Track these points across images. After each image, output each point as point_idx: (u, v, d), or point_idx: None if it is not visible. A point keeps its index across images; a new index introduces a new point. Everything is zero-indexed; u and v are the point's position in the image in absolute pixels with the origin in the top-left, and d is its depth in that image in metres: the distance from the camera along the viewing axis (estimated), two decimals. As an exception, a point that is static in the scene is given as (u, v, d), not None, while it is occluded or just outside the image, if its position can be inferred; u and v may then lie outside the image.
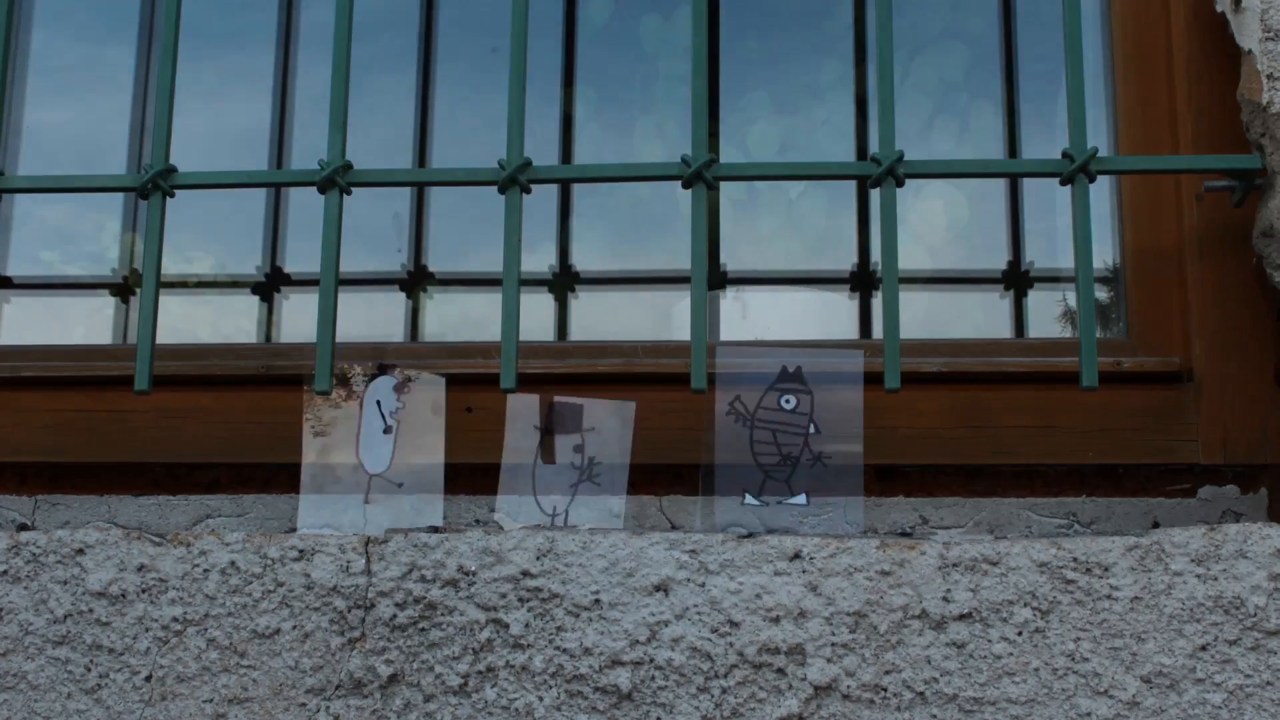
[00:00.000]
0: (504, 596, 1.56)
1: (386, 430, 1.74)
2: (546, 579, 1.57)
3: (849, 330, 2.15)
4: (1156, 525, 1.72)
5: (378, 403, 1.74)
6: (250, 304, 2.34)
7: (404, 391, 1.75)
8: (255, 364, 1.83)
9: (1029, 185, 2.16)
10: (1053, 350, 1.77)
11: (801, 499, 1.68)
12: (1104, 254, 1.90)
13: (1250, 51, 1.65)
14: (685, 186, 1.60)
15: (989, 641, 1.53)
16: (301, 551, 1.60)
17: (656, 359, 1.79)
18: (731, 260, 2.23)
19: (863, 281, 2.15)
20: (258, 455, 1.78)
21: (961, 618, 1.53)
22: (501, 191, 1.61)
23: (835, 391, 1.70)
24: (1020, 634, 1.53)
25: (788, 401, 1.70)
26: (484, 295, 2.31)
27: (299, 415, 1.75)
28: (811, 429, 1.68)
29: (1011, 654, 1.53)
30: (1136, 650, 1.52)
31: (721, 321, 2.16)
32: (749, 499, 1.69)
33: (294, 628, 1.59)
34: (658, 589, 1.55)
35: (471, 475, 1.77)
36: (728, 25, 2.20)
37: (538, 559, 1.57)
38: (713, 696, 1.53)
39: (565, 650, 1.55)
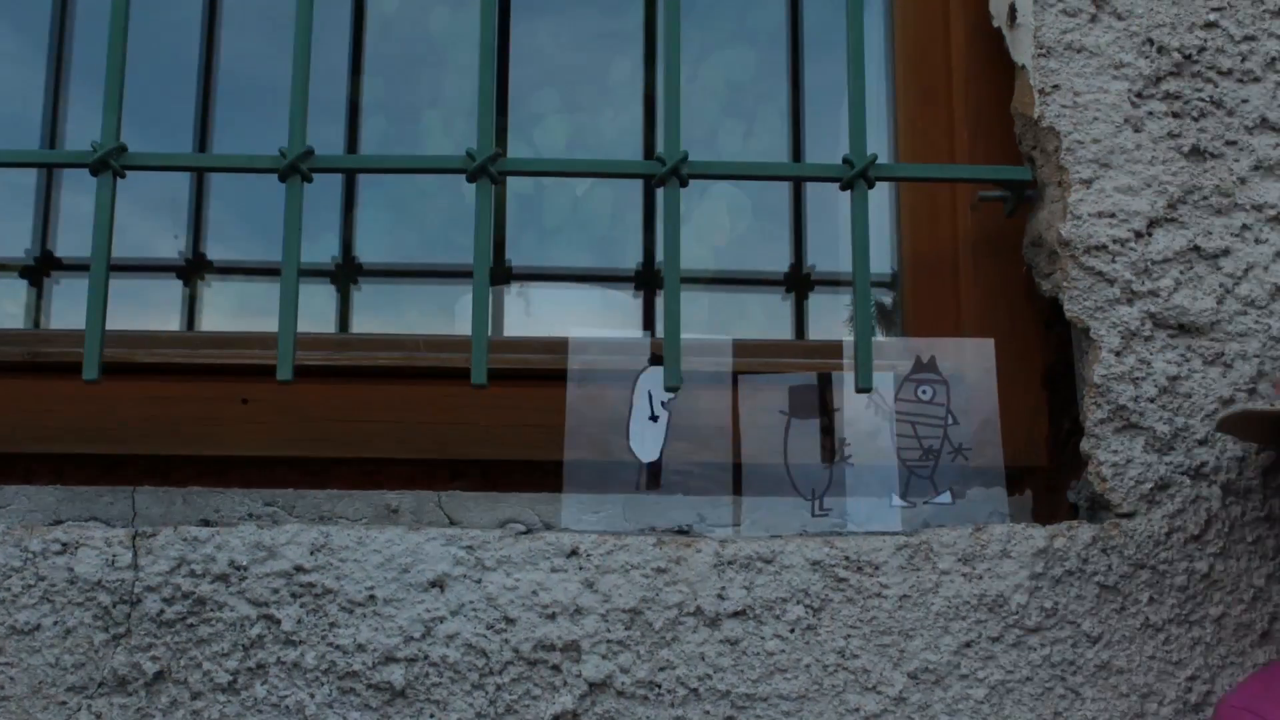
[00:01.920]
0: (276, 592, 1.70)
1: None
2: (320, 574, 1.71)
3: (633, 328, 2.33)
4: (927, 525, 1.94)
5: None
6: (18, 288, 2.41)
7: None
8: (20, 350, 1.91)
9: (812, 189, 2.38)
10: (834, 352, 1.96)
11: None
12: (884, 259, 2.13)
13: (1024, 67, 1.90)
14: (470, 180, 1.75)
15: (762, 639, 1.72)
16: (65, 545, 1.71)
17: (438, 353, 1.92)
18: (517, 256, 2.40)
19: (647, 280, 2.34)
20: (21, 445, 1.88)
21: (736, 615, 1.72)
22: (282, 179, 1.74)
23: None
24: (793, 631, 1.73)
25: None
26: (264, 285, 2.43)
27: (68, 404, 1.87)
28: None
29: (784, 651, 1.72)
30: (904, 647, 1.74)
31: (505, 317, 2.33)
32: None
33: (55, 624, 1.70)
34: (434, 585, 1.71)
35: (248, 468, 1.88)
36: (519, 20, 2.35)
37: (312, 554, 1.71)
38: (487, 693, 1.69)
39: (338, 647, 1.70)
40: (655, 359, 1.88)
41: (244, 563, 1.69)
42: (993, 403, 1.85)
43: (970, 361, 1.88)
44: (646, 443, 1.85)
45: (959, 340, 1.89)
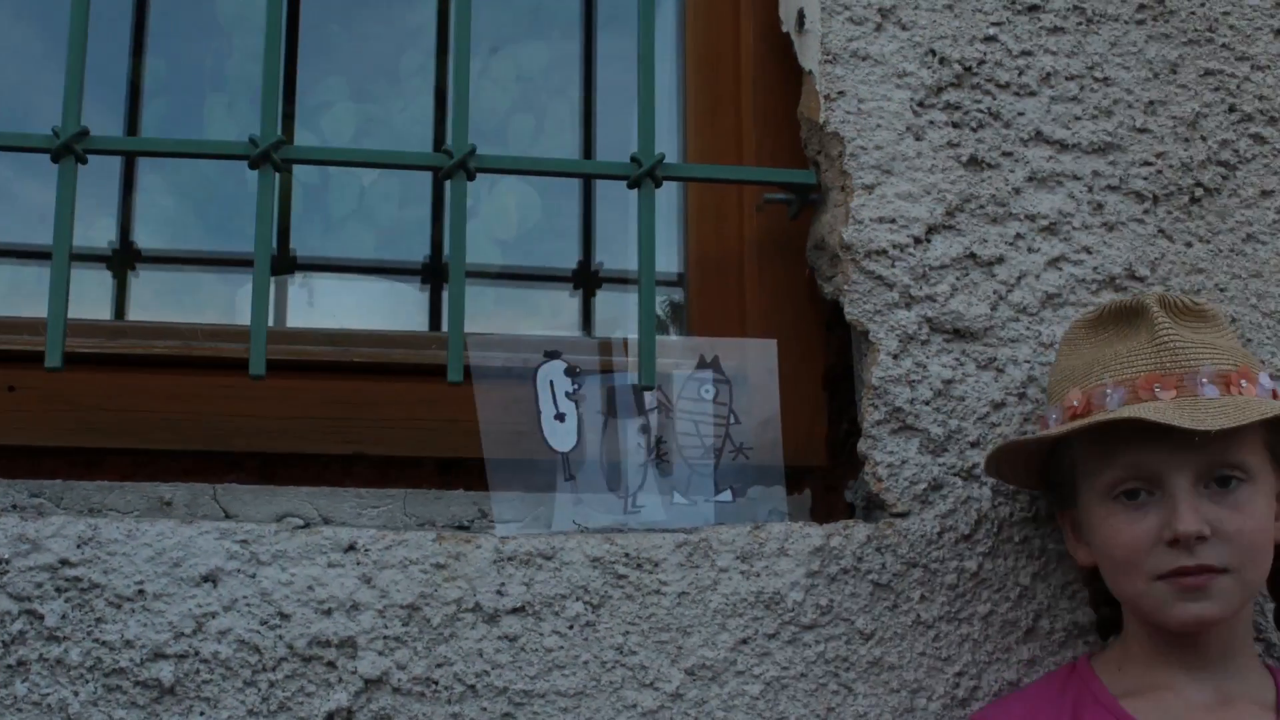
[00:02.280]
0: (40, 586, 1.67)
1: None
2: (88, 568, 1.68)
3: (419, 322, 2.35)
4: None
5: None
6: None
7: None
8: None
9: (603, 187, 2.42)
10: (620, 349, 2.00)
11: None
12: (671, 258, 2.19)
13: (811, 72, 1.96)
14: (252, 167, 1.74)
15: (541, 635, 1.75)
16: None
17: (217, 343, 1.91)
18: (302, 246, 2.39)
19: (435, 273, 2.36)
20: None
21: (515, 611, 1.75)
22: (55, 160, 1.71)
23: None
24: (572, 628, 1.76)
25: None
26: (36, 269, 2.38)
27: None
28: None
29: (562, 647, 1.75)
30: (682, 644, 1.78)
31: (289, 307, 2.33)
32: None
33: None
34: (206, 580, 1.70)
35: (14, 458, 1.85)
36: (309, 6, 2.35)
37: (79, 547, 1.68)
38: (260, 690, 1.69)
39: (105, 643, 1.67)
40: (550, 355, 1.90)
41: (5, 555, 1.67)
42: (774, 402, 1.90)
43: (753, 361, 1.93)
44: (558, 434, 1.87)
45: (742, 340, 1.94)
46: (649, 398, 1.88)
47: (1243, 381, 1.62)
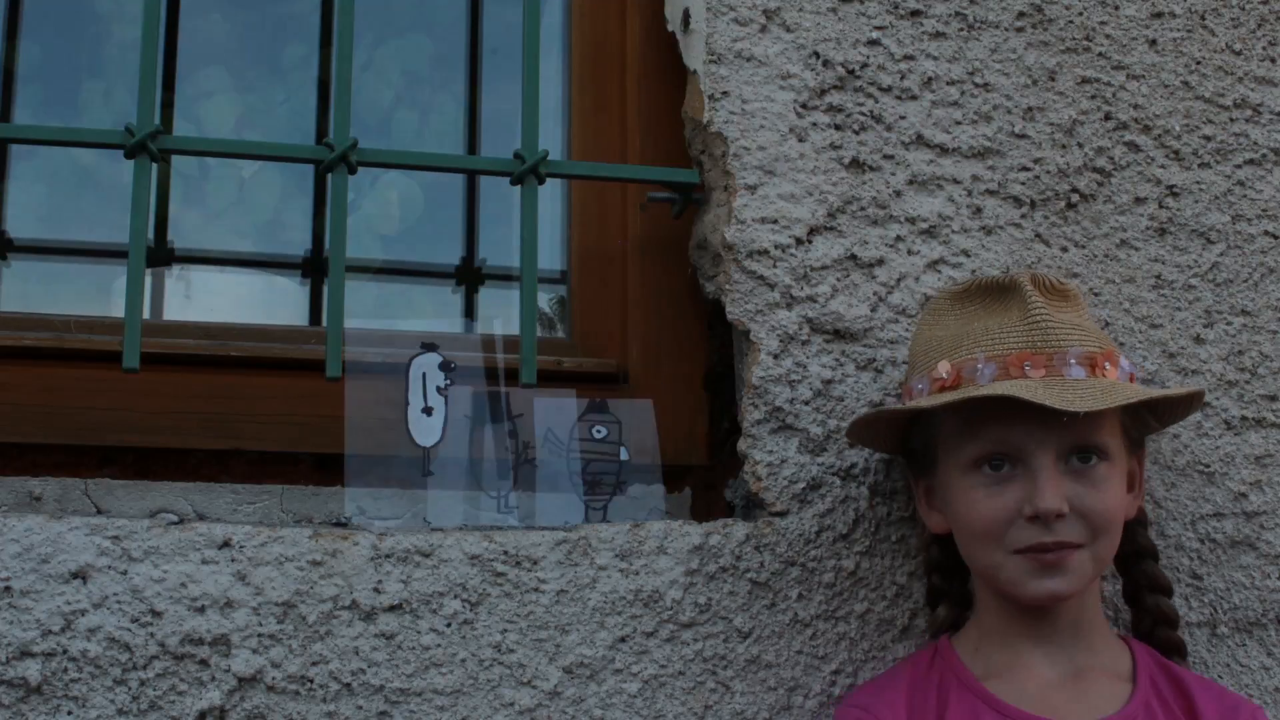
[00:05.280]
0: (-99, 583, 1.65)
1: None
2: (-48, 565, 1.66)
3: (299, 317, 2.33)
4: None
5: None
6: None
7: None
8: None
9: (487, 184, 2.42)
10: (509, 348, 1.99)
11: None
12: (555, 256, 2.19)
13: (696, 72, 1.97)
14: (128, 157, 1.71)
15: (418, 633, 1.74)
16: None
17: (90, 335, 1.88)
18: (180, 238, 2.36)
19: (315, 268, 2.34)
20: None
21: (392, 609, 1.74)
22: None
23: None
24: (449, 625, 1.75)
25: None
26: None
27: None
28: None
29: (440, 645, 1.75)
30: (560, 642, 1.78)
31: (166, 300, 2.29)
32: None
33: None
34: (76, 576, 1.67)
35: None
36: (189, -6, 2.34)
37: (-60, 543, 1.66)
38: (130, 689, 1.66)
39: (-32, 641, 1.65)
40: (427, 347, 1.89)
41: None
42: (654, 440, 1.93)
43: (636, 359, 1.95)
44: (423, 428, 1.86)
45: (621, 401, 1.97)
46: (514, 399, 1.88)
47: (1107, 364, 1.67)
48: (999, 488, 1.65)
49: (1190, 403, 1.78)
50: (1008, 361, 1.65)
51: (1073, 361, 1.65)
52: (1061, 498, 1.62)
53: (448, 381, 1.86)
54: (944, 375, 1.69)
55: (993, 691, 1.67)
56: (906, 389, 1.77)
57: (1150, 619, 1.82)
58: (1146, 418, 1.78)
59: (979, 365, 1.66)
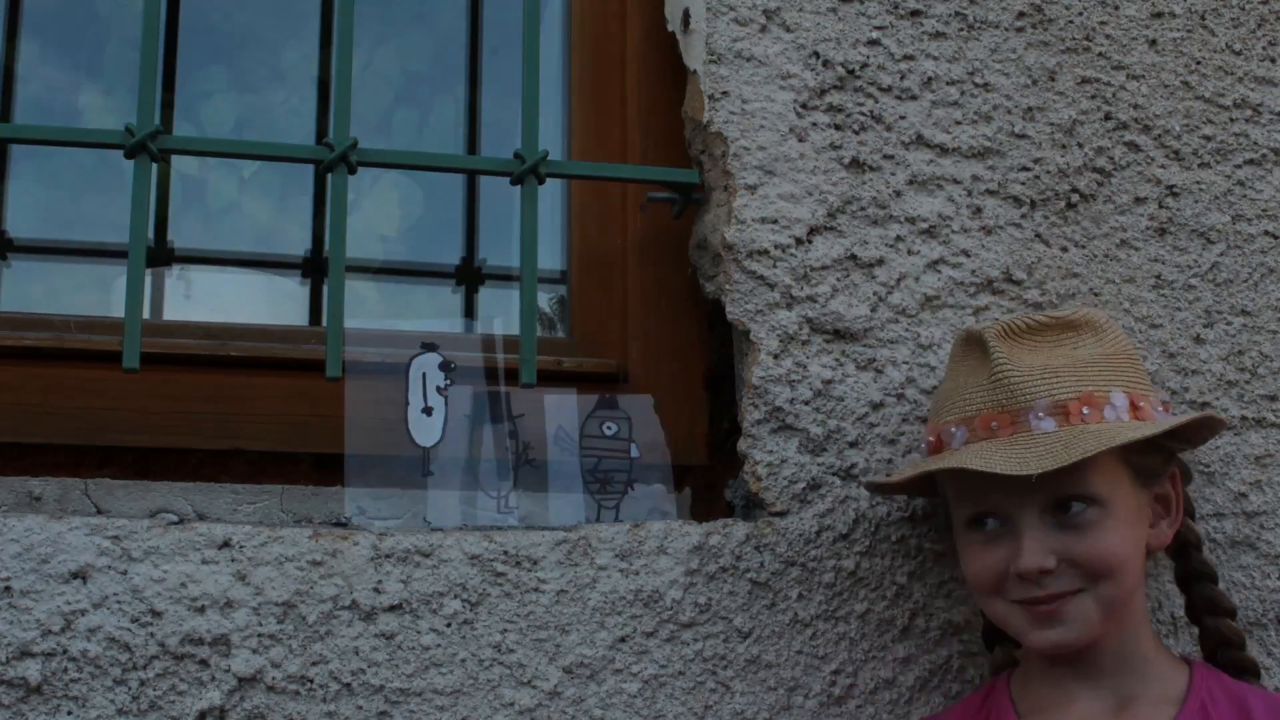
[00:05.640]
0: (-99, 583, 1.64)
1: None
2: (-48, 565, 1.66)
3: (299, 317, 2.33)
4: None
5: None
6: None
7: None
8: None
9: (488, 184, 2.42)
10: (509, 348, 2.00)
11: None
12: (555, 256, 2.19)
13: (696, 72, 1.97)
14: (128, 157, 1.72)
15: (418, 633, 1.74)
16: None
17: (90, 335, 1.88)
18: (180, 238, 2.36)
19: (314, 268, 2.34)
20: None
21: (392, 609, 1.74)
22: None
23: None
24: (449, 625, 1.75)
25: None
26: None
27: None
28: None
29: (440, 645, 1.75)
30: (560, 642, 1.78)
31: (166, 300, 2.30)
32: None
33: None
34: (76, 576, 1.67)
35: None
36: (189, -6, 2.34)
37: (-58, 542, 1.66)
38: (130, 689, 1.66)
39: (-32, 641, 1.65)
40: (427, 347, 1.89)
41: None
42: (659, 434, 1.93)
43: (636, 359, 1.94)
44: (423, 428, 1.86)
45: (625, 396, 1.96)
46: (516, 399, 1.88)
47: (1084, 409, 1.62)
48: (990, 545, 1.64)
49: (1203, 426, 1.74)
50: (976, 423, 1.64)
51: (1041, 415, 1.61)
52: (1045, 553, 1.59)
53: (448, 381, 1.86)
54: (931, 439, 1.71)
55: None
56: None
57: (1212, 640, 1.78)
58: (1162, 443, 1.68)
59: (953, 429, 1.67)
